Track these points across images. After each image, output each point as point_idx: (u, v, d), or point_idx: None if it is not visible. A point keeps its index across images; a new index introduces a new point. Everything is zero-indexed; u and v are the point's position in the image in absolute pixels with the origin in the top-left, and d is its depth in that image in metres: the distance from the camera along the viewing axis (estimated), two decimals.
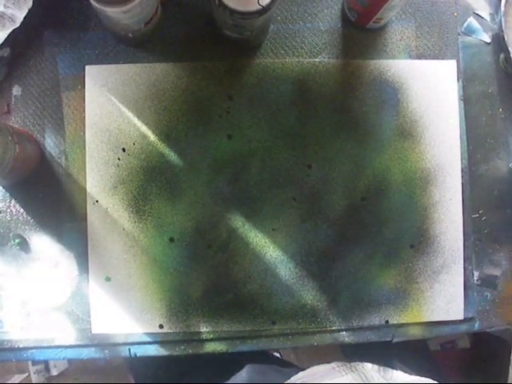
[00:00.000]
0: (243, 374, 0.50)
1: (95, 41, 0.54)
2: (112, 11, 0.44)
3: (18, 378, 1.06)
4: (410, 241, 0.56)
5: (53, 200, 0.53)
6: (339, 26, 0.56)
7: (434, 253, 0.56)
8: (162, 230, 0.54)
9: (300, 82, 0.55)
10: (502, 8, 0.55)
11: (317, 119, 0.55)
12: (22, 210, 0.53)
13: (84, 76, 0.53)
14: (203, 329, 0.53)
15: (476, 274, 0.56)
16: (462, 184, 0.56)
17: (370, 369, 0.40)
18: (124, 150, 0.54)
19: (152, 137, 0.54)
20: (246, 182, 0.55)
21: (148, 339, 0.53)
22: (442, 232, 0.56)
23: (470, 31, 0.58)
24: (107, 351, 0.53)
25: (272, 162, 0.55)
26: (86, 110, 0.53)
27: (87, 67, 0.54)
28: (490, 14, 0.58)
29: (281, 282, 0.54)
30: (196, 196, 0.54)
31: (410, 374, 0.41)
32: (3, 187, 0.53)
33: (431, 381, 0.39)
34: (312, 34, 0.56)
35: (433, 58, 0.57)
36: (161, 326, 0.53)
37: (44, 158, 0.53)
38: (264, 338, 0.54)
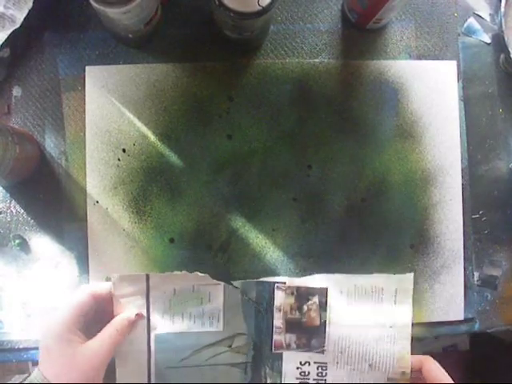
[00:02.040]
0: None
1: (95, 41, 0.54)
2: (112, 12, 0.44)
3: (18, 378, 1.06)
4: (410, 241, 0.56)
5: (53, 201, 0.53)
6: (339, 26, 0.56)
7: (434, 253, 0.56)
8: (163, 231, 0.54)
9: (300, 83, 0.55)
10: (502, 8, 0.55)
11: (317, 120, 0.55)
12: (22, 211, 0.53)
13: (84, 77, 0.53)
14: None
15: (476, 274, 0.56)
16: (462, 184, 0.56)
17: None
18: (124, 150, 0.54)
19: (152, 137, 0.54)
20: (246, 182, 0.55)
21: None
22: (442, 232, 0.56)
23: (470, 32, 0.58)
24: None
25: (272, 163, 0.55)
26: (87, 110, 0.53)
27: (87, 68, 0.54)
28: (490, 14, 0.58)
29: None
30: (196, 196, 0.54)
31: None
32: (3, 188, 0.53)
33: None
34: (312, 34, 0.56)
35: (433, 59, 0.57)
36: None
37: (44, 159, 0.53)
38: None
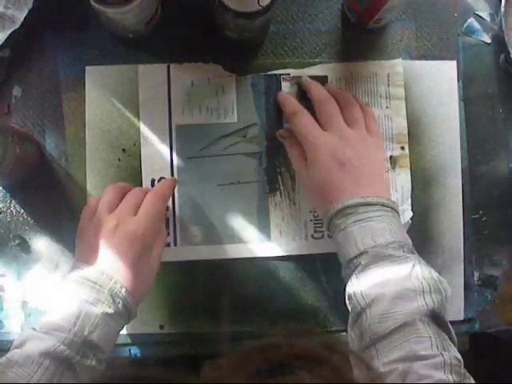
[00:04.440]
0: None
1: (95, 41, 0.54)
2: (112, 12, 0.44)
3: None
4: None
5: (53, 200, 0.53)
6: (339, 26, 0.56)
7: (434, 253, 0.56)
8: None
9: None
10: (503, 8, 0.55)
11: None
12: (22, 211, 0.53)
13: (84, 77, 0.53)
14: (203, 329, 0.53)
15: (476, 274, 0.56)
16: (462, 184, 0.56)
17: None
18: (124, 150, 0.54)
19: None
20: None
21: (148, 340, 0.53)
22: (443, 232, 0.56)
23: (470, 32, 0.58)
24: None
25: None
26: (87, 110, 0.53)
27: (87, 68, 0.54)
28: (490, 14, 0.58)
29: (281, 282, 0.54)
30: None
31: None
32: (3, 187, 0.53)
33: None
34: (312, 34, 0.56)
35: (433, 59, 0.57)
36: (161, 327, 0.53)
37: (44, 159, 0.53)
38: (264, 338, 0.54)
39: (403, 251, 0.42)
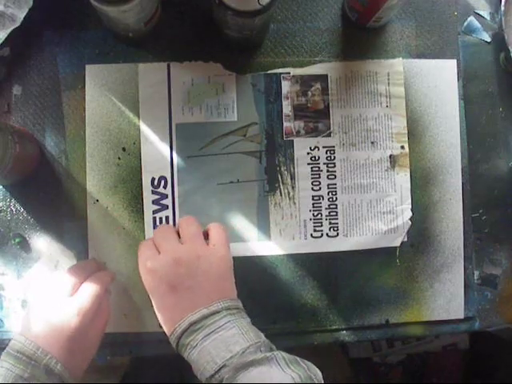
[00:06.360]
0: None
1: (95, 40, 0.54)
2: (112, 11, 0.44)
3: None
4: (411, 240, 0.56)
5: (53, 199, 0.53)
6: (339, 25, 0.56)
7: (434, 252, 0.56)
8: None
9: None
10: (502, 7, 0.55)
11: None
12: (22, 210, 0.53)
13: (84, 75, 0.53)
14: None
15: (476, 273, 0.56)
16: (463, 183, 0.56)
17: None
18: (124, 149, 0.54)
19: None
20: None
21: (148, 339, 0.53)
22: (443, 231, 0.56)
23: (470, 30, 0.58)
24: (107, 351, 0.53)
25: None
26: (87, 109, 0.53)
27: (87, 66, 0.54)
28: (490, 13, 0.58)
29: (281, 280, 0.54)
30: None
31: None
32: (3, 187, 0.53)
33: None
34: (312, 33, 0.56)
35: (433, 58, 0.57)
36: (161, 326, 0.53)
37: (44, 158, 0.53)
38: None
39: (261, 351, 0.41)
